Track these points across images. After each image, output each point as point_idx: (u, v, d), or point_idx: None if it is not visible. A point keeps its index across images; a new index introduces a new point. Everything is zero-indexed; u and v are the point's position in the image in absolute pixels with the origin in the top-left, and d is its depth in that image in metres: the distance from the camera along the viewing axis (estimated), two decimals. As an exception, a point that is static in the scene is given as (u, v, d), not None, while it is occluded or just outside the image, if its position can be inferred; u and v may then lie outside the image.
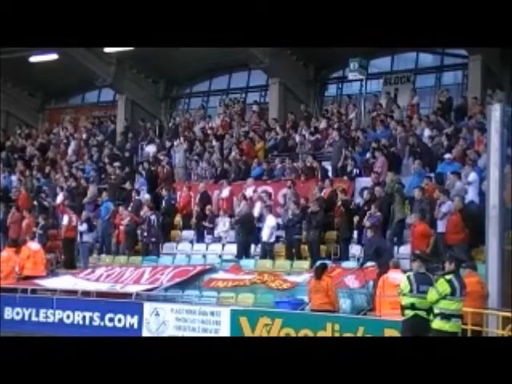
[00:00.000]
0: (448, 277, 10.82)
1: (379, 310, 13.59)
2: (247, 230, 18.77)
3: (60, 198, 22.84)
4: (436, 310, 10.67)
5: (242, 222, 18.83)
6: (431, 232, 15.83)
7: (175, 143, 24.54)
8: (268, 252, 18.30)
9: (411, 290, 11.00)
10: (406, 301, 11.07)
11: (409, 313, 11.00)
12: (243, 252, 18.70)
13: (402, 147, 19.61)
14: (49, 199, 23.47)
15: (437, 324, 10.62)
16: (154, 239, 19.82)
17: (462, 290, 10.74)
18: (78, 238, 21.00)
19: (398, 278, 13.07)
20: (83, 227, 20.91)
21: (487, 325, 11.42)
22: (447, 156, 18.09)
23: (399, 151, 19.66)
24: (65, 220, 21.16)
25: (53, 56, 26.67)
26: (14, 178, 25.70)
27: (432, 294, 10.73)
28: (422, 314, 10.88)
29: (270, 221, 18.37)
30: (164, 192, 21.19)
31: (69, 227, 21.00)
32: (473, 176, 16.50)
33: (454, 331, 10.54)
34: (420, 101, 23.68)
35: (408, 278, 11.23)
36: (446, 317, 10.56)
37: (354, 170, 19.69)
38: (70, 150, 27.32)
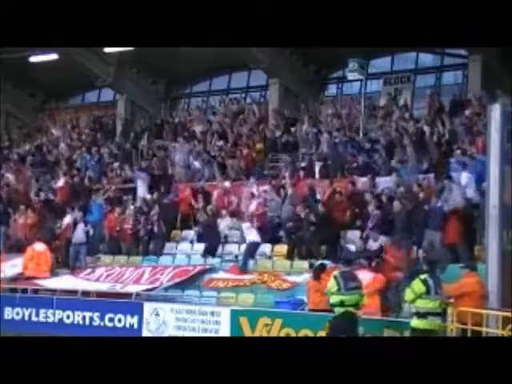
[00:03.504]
0: (423, 276, 11.12)
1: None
2: (210, 236, 19.04)
3: (59, 197, 22.87)
4: (413, 310, 11.02)
5: (206, 228, 19.09)
6: (401, 262, 14.96)
7: (176, 142, 24.56)
8: (252, 252, 18.05)
9: (339, 289, 11.57)
10: (335, 299, 11.64)
11: (339, 310, 11.60)
12: (208, 253, 18.92)
13: (401, 146, 19.63)
14: (50, 197, 23.47)
15: (414, 323, 10.96)
16: (155, 238, 19.83)
17: (438, 289, 11.01)
18: (75, 239, 20.79)
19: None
20: (79, 228, 20.67)
21: (487, 325, 11.41)
22: (452, 158, 18.06)
23: (398, 151, 19.66)
24: (68, 220, 21.09)
25: (53, 56, 26.67)
26: (10, 176, 25.63)
27: (408, 294, 11.12)
28: (351, 310, 11.52)
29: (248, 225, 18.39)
30: (164, 192, 21.17)
31: (64, 229, 20.94)
32: (470, 176, 16.51)
33: (430, 329, 10.82)
34: (419, 101, 23.70)
35: (335, 277, 11.77)
36: (421, 315, 10.88)
37: (356, 168, 19.72)
38: (62, 149, 27.38)
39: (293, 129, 23.49)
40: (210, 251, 18.96)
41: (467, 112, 20.47)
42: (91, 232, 20.66)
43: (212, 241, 19.13)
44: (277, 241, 18.66)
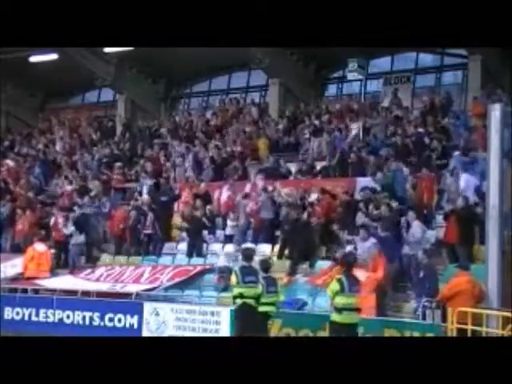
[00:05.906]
0: (338, 276, 12.01)
1: None
2: (196, 231, 19.08)
3: (61, 201, 22.87)
4: (333, 305, 11.81)
5: (192, 223, 19.09)
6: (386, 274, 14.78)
7: (175, 143, 24.57)
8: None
9: (238, 282, 12.52)
10: (235, 291, 12.63)
11: (238, 301, 12.56)
12: (192, 252, 18.99)
13: (400, 146, 19.65)
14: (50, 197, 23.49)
15: (332, 317, 11.82)
16: (152, 241, 19.83)
17: (353, 286, 11.78)
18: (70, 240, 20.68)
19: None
20: (72, 228, 20.56)
21: (487, 325, 11.42)
22: (455, 153, 18.04)
23: (396, 150, 19.67)
24: (52, 221, 21.07)
25: (53, 56, 26.70)
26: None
27: (328, 292, 12.07)
28: (250, 301, 12.43)
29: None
30: (164, 191, 21.16)
31: (56, 228, 20.91)
32: (469, 176, 16.51)
33: (346, 322, 11.62)
34: (419, 101, 23.72)
35: (235, 271, 12.87)
36: (338, 310, 11.69)
37: (355, 167, 19.73)
38: (60, 148, 27.38)
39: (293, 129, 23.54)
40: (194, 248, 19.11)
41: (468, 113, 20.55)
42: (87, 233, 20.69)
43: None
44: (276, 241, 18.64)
